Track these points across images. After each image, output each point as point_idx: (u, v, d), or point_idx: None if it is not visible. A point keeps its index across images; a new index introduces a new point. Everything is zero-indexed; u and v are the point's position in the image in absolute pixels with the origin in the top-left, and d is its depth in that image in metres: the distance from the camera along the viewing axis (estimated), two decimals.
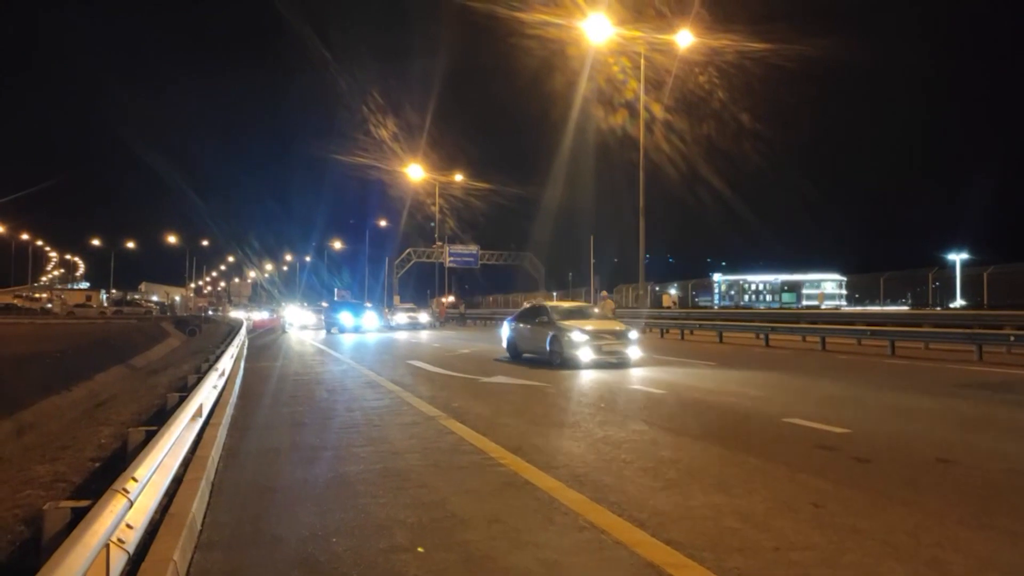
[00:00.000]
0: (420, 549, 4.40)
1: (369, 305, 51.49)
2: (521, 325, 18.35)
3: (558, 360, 15.92)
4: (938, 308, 28.96)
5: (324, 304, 60.47)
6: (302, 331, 44.11)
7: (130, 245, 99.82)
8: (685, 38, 30.74)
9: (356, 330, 38.03)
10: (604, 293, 27.82)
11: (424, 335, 34.85)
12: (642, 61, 32.36)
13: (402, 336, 34.64)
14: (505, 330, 19.17)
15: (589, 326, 16.35)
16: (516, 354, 18.26)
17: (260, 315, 58.76)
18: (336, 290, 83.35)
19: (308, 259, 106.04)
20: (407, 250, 69.60)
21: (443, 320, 53.11)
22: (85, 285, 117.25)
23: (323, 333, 39.61)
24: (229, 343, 17.58)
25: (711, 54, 34.10)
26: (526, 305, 24.73)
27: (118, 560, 3.50)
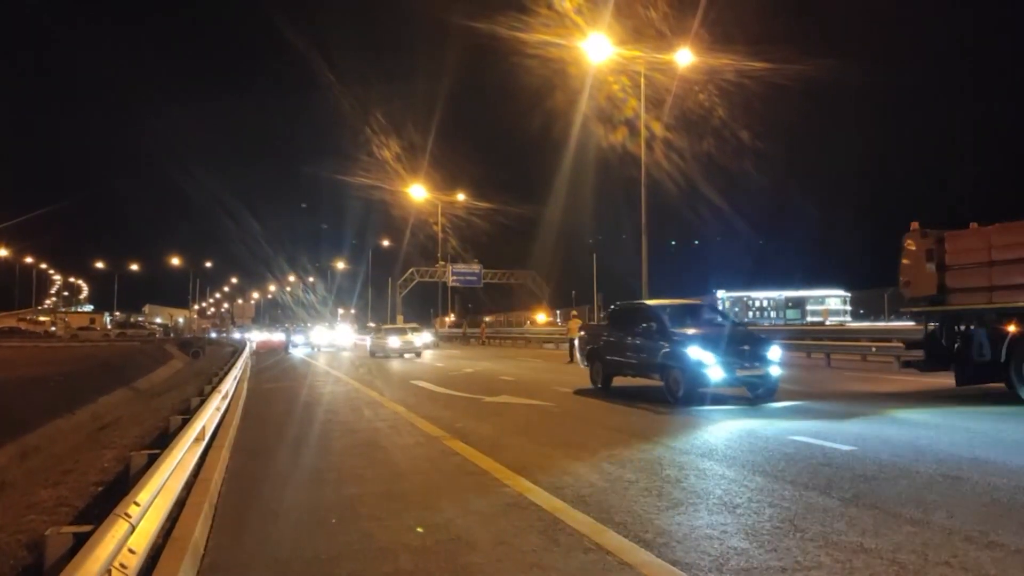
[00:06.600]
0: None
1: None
2: None
3: None
4: None
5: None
6: (318, 353, 39.48)
7: (134, 267, 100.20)
8: (685, 57, 30.95)
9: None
10: (573, 312, 27.82)
11: (426, 355, 34.78)
12: (642, 80, 32.54)
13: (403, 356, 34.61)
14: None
15: None
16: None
17: (274, 336, 55.85)
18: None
19: (312, 280, 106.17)
20: (410, 269, 69.78)
21: (485, 340, 52.01)
22: (89, 308, 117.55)
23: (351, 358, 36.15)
24: (232, 365, 17.61)
25: (711, 73, 34.27)
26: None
27: None
